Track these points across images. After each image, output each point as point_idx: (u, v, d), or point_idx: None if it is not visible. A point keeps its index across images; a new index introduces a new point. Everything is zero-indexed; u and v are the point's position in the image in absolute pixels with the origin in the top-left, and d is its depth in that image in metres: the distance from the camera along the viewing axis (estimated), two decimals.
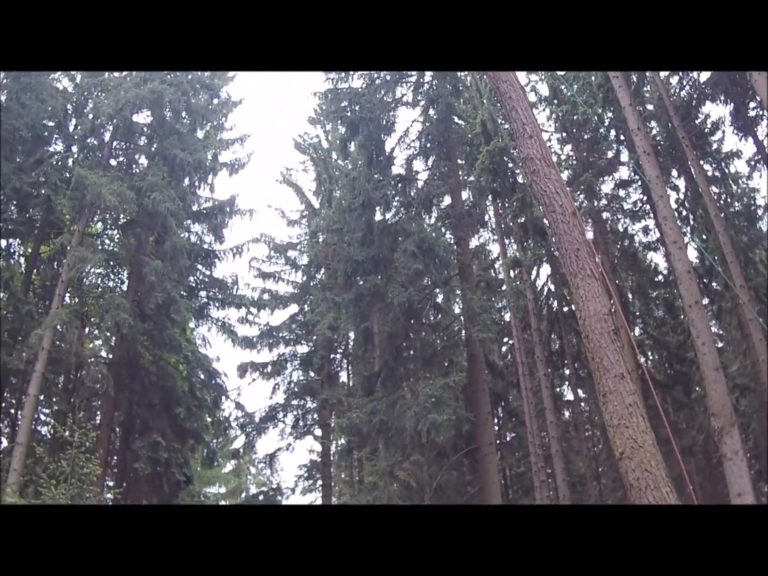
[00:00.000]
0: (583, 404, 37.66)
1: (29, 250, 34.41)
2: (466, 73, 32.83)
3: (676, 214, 28.86)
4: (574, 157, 32.87)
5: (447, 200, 30.63)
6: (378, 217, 30.02)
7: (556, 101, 32.44)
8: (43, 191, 31.32)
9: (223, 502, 57.48)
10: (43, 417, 34.37)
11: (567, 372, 35.73)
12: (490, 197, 31.93)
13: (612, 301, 25.56)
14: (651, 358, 38.36)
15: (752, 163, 30.11)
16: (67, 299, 31.99)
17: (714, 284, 31.59)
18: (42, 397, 31.01)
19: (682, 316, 32.15)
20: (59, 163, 34.00)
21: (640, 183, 31.51)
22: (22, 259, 35.12)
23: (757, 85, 20.37)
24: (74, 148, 34.62)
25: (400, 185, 30.02)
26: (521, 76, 31.26)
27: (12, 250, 34.73)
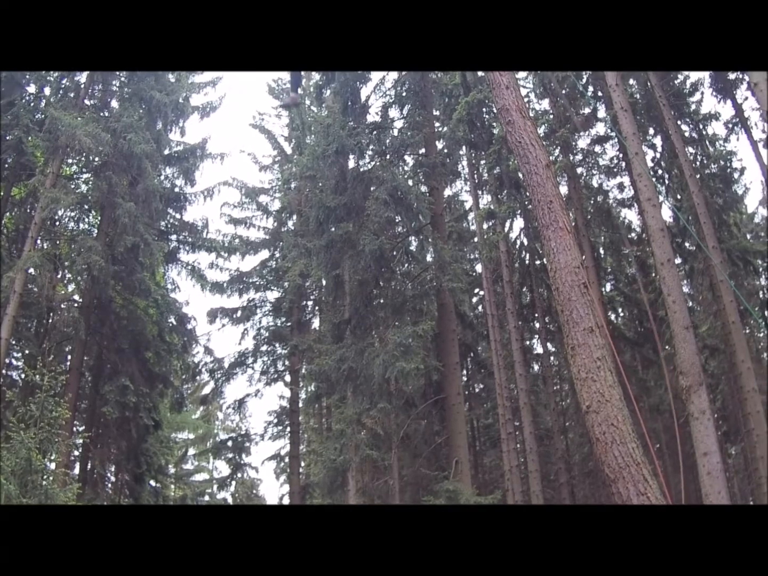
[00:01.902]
0: (552, 358, 37.93)
1: (1, 192, 34.15)
2: None
3: (652, 173, 28.92)
4: (551, 112, 32.83)
5: (421, 149, 30.50)
6: (351, 164, 29.91)
7: None
8: (15, 133, 30.99)
9: (191, 448, 57.76)
10: (14, 362, 34.31)
11: (537, 325, 35.96)
12: (465, 148, 31.89)
13: (584, 257, 25.69)
14: (622, 314, 38.58)
15: (730, 125, 30.19)
16: (39, 243, 31.74)
17: (687, 244, 31.73)
18: (13, 342, 30.83)
19: (653, 274, 32.27)
20: (32, 104, 33.67)
21: (616, 140, 31.52)
22: None
23: None
24: (47, 90, 34.25)
25: (374, 133, 29.81)
26: None
27: None
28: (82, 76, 33.66)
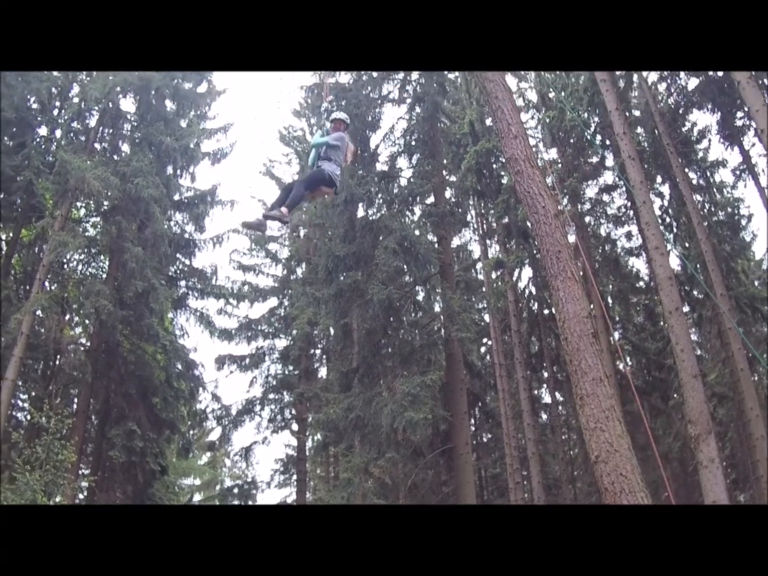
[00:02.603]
0: (560, 407, 37.75)
1: (10, 234, 34.22)
2: (456, 73, 32.85)
3: (660, 221, 28.90)
4: (559, 161, 32.88)
5: (430, 199, 30.56)
6: (360, 213, 29.99)
7: (544, 108, 32.48)
8: (25, 175, 31.12)
9: (197, 494, 57.51)
10: (20, 403, 34.27)
11: (545, 375, 35.81)
12: (473, 197, 31.94)
13: (592, 306, 25.66)
14: (630, 363, 38.46)
15: (737, 172, 30.16)
16: (47, 285, 31.77)
17: (695, 292, 31.63)
18: (20, 383, 30.80)
19: (662, 323, 32.18)
20: (43, 146, 33.82)
21: (624, 188, 31.57)
22: (2, 243, 34.91)
23: (744, 94, 20.36)
24: (58, 133, 34.41)
25: (383, 182, 29.92)
26: (510, 80, 31.33)
27: None
28: (93, 120, 33.83)
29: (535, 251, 29.86)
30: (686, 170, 28.90)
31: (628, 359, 37.28)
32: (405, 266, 27.83)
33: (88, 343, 34.19)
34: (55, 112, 34.27)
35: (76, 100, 33.05)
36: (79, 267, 36.44)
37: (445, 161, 31.91)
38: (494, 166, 30.40)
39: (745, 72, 19.87)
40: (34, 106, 33.36)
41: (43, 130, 34.32)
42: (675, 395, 31.95)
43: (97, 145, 34.28)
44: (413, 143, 30.70)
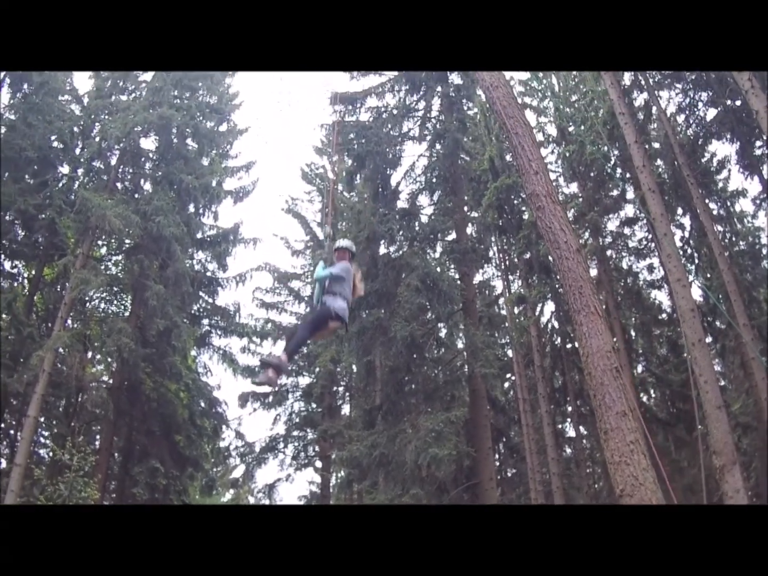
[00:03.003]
0: (584, 441, 37.55)
1: (33, 272, 34.42)
2: (475, 110, 32.92)
3: (681, 252, 28.87)
4: (580, 195, 32.89)
5: (452, 235, 30.57)
6: (382, 250, 30.03)
7: (563, 142, 32.51)
8: (48, 213, 31.35)
9: None
10: (42, 440, 34.34)
11: (569, 409, 35.67)
12: (495, 233, 31.93)
13: (615, 339, 25.58)
14: (653, 396, 38.27)
15: (758, 201, 30.26)
16: (69, 323, 31.89)
17: (717, 323, 31.50)
18: (42, 420, 30.93)
19: (685, 355, 32.06)
20: (65, 185, 34.09)
21: (645, 221, 31.53)
22: (25, 281, 35.10)
23: (763, 122, 20.35)
24: (80, 171, 34.70)
25: (404, 219, 29.95)
26: (530, 116, 31.40)
27: (16, 272, 34.72)
28: (113, 159, 34.03)
29: (557, 285, 29.80)
30: (706, 201, 28.84)
31: (651, 391, 37.15)
32: (428, 303, 27.81)
33: (111, 381, 34.42)
34: (77, 151, 34.50)
35: (97, 139, 33.21)
36: (101, 305, 36.74)
37: (465, 197, 31.93)
38: (515, 201, 30.44)
39: (746, 73, 19.86)
40: (56, 145, 33.61)
41: (65, 169, 34.58)
42: (699, 426, 31.78)
43: (118, 184, 34.55)
44: (434, 180, 30.77)
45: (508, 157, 28.92)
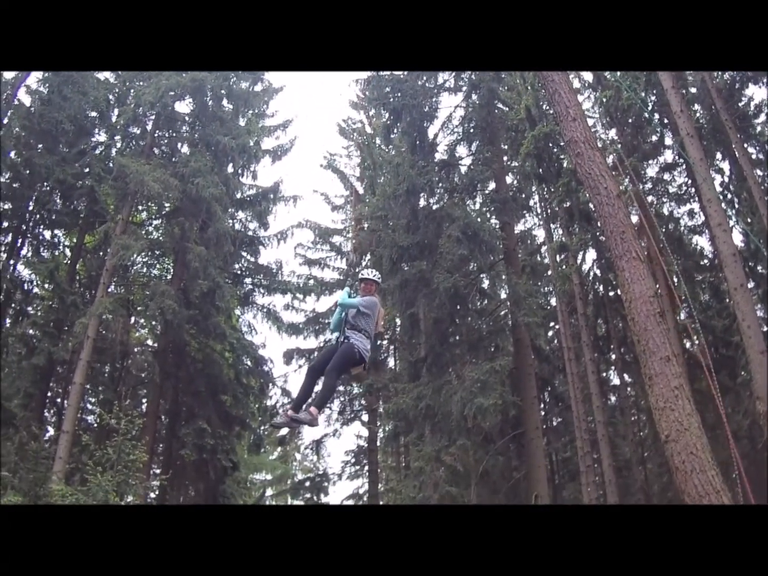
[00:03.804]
0: (629, 389, 37.42)
1: (74, 240, 34.65)
2: None
3: (721, 198, 28.62)
4: (618, 142, 32.64)
5: (491, 185, 30.43)
6: (422, 203, 30.01)
7: (600, 88, 32.23)
8: (86, 182, 31.54)
9: (269, 489, 57.80)
10: (89, 406, 34.68)
11: (613, 356, 35.53)
12: (534, 182, 31.75)
13: (658, 285, 25.48)
14: (697, 342, 38.09)
15: None
16: (112, 288, 32.11)
17: (759, 268, 31.24)
18: (88, 386, 31.21)
19: (727, 300, 31.86)
20: (102, 153, 34.39)
21: (684, 166, 31.30)
22: (67, 250, 35.34)
23: None
24: (116, 138, 34.89)
25: (443, 171, 29.89)
26: None
27: (57, 241, 34.97)
28: (149, 124, 34.10)
29: (598, 233, 29.65)
30: (745, 145, 28.52)
31: (695, 338, 36.98)
32: (469, 254, 27.69)
33: (155, 344, 34.64)
34: (113, 118, 34.62)
35: (131, 105, 33.29)
36: (143, 269, 36.99)
37: (504, 146, 31.74)
38: (553, 150, 30.18)
39: None
40: (92, 114, 33.73)
41: (101, 137, 34.77)
42: (743, 372, 31.61)
43: (155, 149, 34.67)
44: (471, 131, 30.58)
45: (544, 105, 28.73)
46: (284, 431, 42.13)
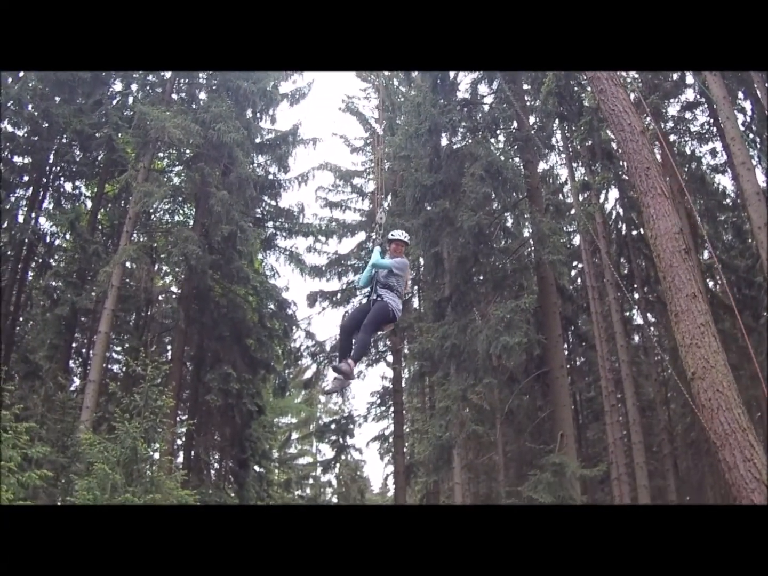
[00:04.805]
0: (652, 329, 37.46)
1: (95, 190, 34.72)
2: None
3: (743, 137, 28.42)
4: (639, 80, 32.40)
5: (513, 124, 30.24)
6: (444, 142, 29.82)
7: None
8: (105, 131, 31.53)
9: (295, 432, 58.34)
10: (114, 355, 34.95)
11: (637, 296, 35.53)
12: (557, 121, 31.56)
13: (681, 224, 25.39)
14: (719, 282, 37.99)
15: None
16: (135, 236, 32.18)
17: None
18: (113, 335, 31.37)
19: (750, 240, 31.73)
20: (119, 102, 34.31)
21: (706, 105, 31.10)
22: (88, 201, 35.44)
23: None
24: (134, 87, 34.80)
25: (465, 110, 29.71)
26: None
27: (78, 193, 35.07)
28: (167, 72, 34.04)
29: (620, 172, 29.55)
30: (767, 84, 28.32)
31: (718, 278, 36.85)
32: (493, 192, 27.57)
33: (179, 291, 34.76)
34: None
35: None
36: (166, 216, 37.04)
37: (526, 86, 31.52)
38: (575, 88, 29.96)
39: None
40: None
41: (117, 86, 34.72)
42: (765, 313, 31.50)
43: (174, 96, 34.50)
44: (489, 71, 30.35)
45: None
46: (310, 373, 42.72)
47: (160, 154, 35.50)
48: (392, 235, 11.70)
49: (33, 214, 32.44)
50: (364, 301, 11.41)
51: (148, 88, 34.98)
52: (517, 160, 29.92)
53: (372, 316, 10.82)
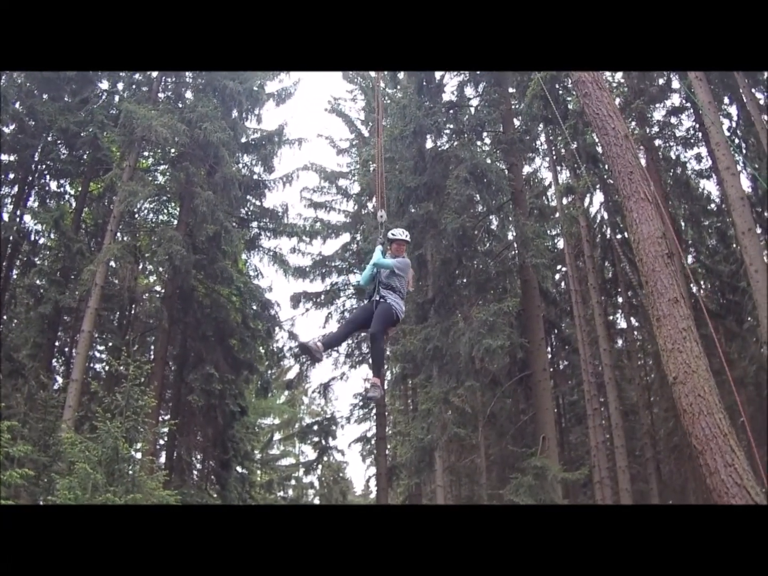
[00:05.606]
0: (636, 332, 37.62)
1: (79, 189, 34.65)
2: None
3: (728, 142, 28.54)
4: (625, 84, 32.50)
5: (499, 127, 30.28)
6: (429, 144, 29.89)
7: None
8: (90, 130, 31.49)
9: (277, 433, 58.39)
10: (97, 354, 34.88)
11: (620, 300, 35.64)
12: (541, 124, 31.63)
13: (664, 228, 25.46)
14: (703, 287, 38.11)
15: None
16: (119, 236, 32.16)
17: (767, 213, 31.21)
18: (96, 334, 31.30)
19: (734, 245, 31.87)
20: (105, 100, 34.22)
21: (692, 110, 31.22)
22: (72, 199, 35.37)
23: None
24: (120, 86, 34.77)
25: (451, 112, 29.75)
26: None
27: (63, 191, 34.99)
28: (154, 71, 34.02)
29: (605, 176, 29.62)
30: (753, 90, 28.38)
31: (701, 283, 36.98)
32: (477, 195, 27.65)
33: (163, 290, 34.74)
34: None
35: None
36: (150, 216, 37.01)
37: (511, 89, 31.58)
38: (560, 91, 30.03)
39: None
40: None
41: (104, 85, 34.65)
42: (749, 318, 31.63)
43: (160, 95, 34.45)
44: (478, 72, 30.36)
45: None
46: (293, 374, 42.62)
47: (145, 153, 35.44)
48: (393, 234, 11.45)
49: (18, 212, 32.31)
50: (368, 301, 11.17)
51: (134, 86, 34.76)
52: (501, 163, 29.96)
53: (378, 321, 10.67)
